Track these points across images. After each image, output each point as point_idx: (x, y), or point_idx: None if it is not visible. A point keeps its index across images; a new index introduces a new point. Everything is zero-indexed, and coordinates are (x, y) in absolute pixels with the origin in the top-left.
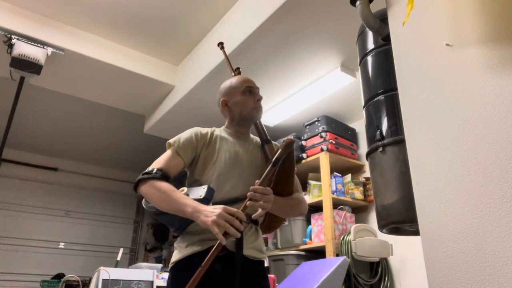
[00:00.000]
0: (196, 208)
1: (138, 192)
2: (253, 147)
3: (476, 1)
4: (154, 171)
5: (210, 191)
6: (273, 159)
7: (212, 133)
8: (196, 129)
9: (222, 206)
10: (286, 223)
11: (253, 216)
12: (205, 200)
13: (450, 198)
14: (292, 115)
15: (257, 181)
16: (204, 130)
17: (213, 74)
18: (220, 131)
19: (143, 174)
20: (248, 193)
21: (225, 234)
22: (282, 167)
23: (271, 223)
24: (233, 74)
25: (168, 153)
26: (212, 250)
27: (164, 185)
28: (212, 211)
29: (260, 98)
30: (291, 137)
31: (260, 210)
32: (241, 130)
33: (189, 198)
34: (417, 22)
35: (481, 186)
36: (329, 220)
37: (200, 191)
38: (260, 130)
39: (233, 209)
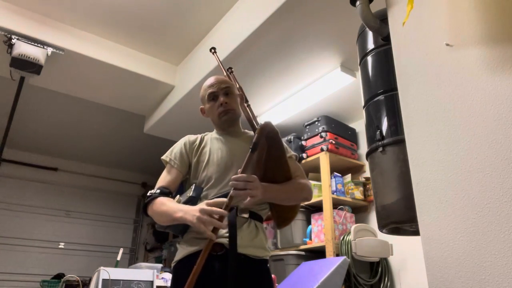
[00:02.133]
0: (183, 211)
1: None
2: (247, 142)
3: (476, 1)
4: (154, 192)
5: (196, 189)
6: (251, 146)
7: (202, 138)
8: (185, 138)
9: (203, 202)
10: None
11: (244, 203)
12: (193, 199)
13: (450, 198)
14: (292, 115)
15: (239, 170)
16: (193, 137)
17: (213, 74)
18: (211, 134)
19: (147, 198)
20: (230, 183)
21: (214, 229)
22: (270, 154)
23: (282, 214)
24: (225, 74)
25: (165, 170)
26: (204, 249)
27: (160, 201)
28: (195, 209)
29: (222, 102)
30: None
31: (249, 198)
32: (228, 130)
33: (177, 203)
34: (417, 22)
35: (481, 186)
36: (329, 220)
37: (188, 192)
38: (252, 123)
39: (210, 200)
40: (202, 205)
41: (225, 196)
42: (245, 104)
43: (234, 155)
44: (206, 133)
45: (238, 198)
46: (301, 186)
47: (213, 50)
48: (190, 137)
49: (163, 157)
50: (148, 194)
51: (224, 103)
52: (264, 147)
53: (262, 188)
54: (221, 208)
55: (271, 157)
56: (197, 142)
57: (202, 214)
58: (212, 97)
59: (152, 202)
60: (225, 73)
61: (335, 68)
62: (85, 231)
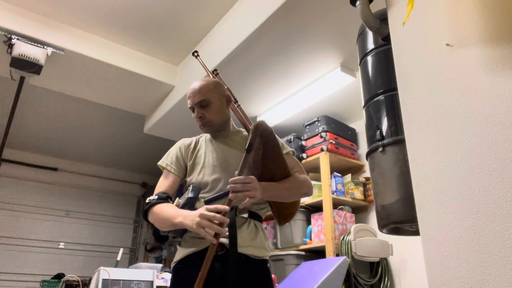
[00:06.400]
0: (183, 215)
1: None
2: (242, 141)
3: (476, 1)
4: (153, 198)
5: (194, 189)
6: (246, 147)
7: (197, 141)
8: (180, 142)
9: (203, 207)
10: None
11: (240, 205)
12: (192, 199)
13: (450, 198)
14: (292, 115)
15: (236, 172)
16: (188, 140)
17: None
18: (205, 136)
19: (146, 205)
20: (228, 186)
21: (215, 234)
22: (265, 152)
23: (282, 211)
24: (211, 77)
25: (162, 176)
26: (208, 253)
27: (160, 207)
28: (195, 214)
29: (197, 117)
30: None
31: (248, 199)
32: (217, 134)
33: (177, 208)
34: (417, 22)
35: (481, 186)
36: (329, 220)
37: (186, 193)
38: (244, 123)
39: (211, 206)
40: (202, 210)
41: (221, 195)
42: (235, 105)
43: (228, 156)
44: (201, 135)
45: (237, 200)
46: (301, 182)
47: (196, 54)
48: (185, 141)
49: (160, 162)
50: (147, 201)
51: (199, 117)
52: (260, 147)
53: (261, 187)
54: (221, 213)
55: (268, 155)
56: (192, 145)
57: (202, 219)
58: (191, 110)
59: (151, 209)
60: (211, 76)
61: (335, 68)
62: (85, 231)
